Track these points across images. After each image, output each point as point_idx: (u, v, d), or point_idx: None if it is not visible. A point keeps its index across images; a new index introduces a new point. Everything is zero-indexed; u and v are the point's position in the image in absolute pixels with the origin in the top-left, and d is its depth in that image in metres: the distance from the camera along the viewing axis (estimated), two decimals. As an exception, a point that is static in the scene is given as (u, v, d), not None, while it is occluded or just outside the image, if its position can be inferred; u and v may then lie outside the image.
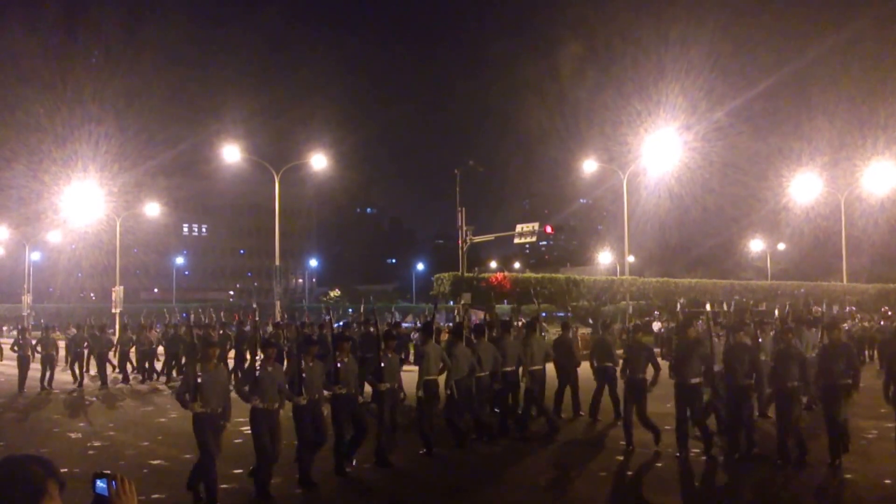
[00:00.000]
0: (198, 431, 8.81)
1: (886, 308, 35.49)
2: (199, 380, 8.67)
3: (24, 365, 20.99)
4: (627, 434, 11.43)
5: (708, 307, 14.89)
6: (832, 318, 13.04)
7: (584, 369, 15.17)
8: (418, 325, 32.69)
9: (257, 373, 9.31)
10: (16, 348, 21.33)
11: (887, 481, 9.63)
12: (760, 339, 12.82)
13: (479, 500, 9.34)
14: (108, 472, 2.46)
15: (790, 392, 10.23)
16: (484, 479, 10.18)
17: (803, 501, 9.15)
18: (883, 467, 10.21)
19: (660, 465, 10.51)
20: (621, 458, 11.13)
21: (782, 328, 11.94)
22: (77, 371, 22.32)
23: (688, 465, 10.39)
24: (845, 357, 10.41)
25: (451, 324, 26.77)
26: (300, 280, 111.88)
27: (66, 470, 10.60)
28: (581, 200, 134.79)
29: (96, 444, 12.97)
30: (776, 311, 18.60)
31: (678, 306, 25.14)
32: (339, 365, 10.08)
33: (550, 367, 14.32)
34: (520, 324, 19.87)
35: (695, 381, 10.70)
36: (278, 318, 32.39)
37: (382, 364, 10.92)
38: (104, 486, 2.41)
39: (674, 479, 9.93)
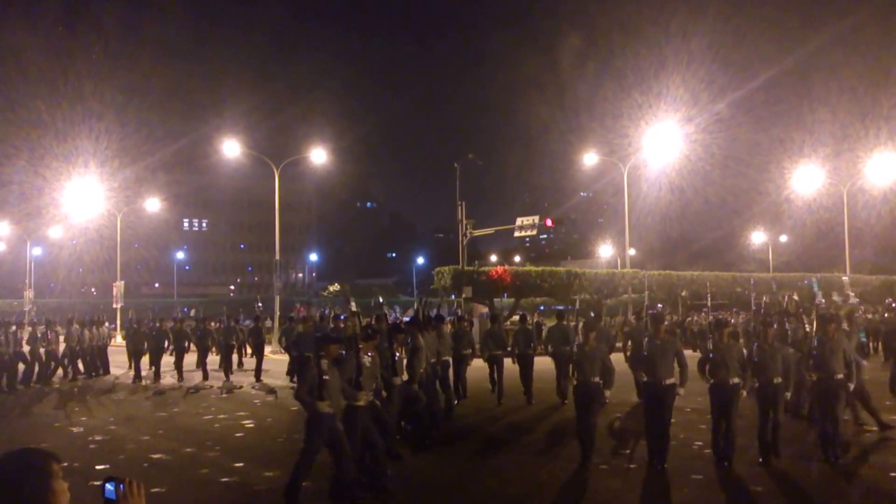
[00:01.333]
0: (313, 429, 8.18)
1: (891, 300, 35.48)
2: (326, 377, 8.19)
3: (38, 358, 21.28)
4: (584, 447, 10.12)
5: (837, 296, 14.58)
6: (827, 311, 12.58)
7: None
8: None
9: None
10: (29, 342, 21.63)
11: (893, 474, 9.60)
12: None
13: (480, 492, 9.29)
14: (116, 475, 2.54)
15: (775, 389, 9.99)
16: (482, 472, 10.15)
17: (807, 496, 9.06)
18: (888, 460, 10.16)
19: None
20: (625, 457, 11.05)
21: (762, 322, 11.35)
22: (72, 367, 22.60)
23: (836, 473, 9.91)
24: (841, 352, 10.23)
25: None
26: (300, 274, 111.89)
27: (66, 464, 10.55)
28: (581, 193, 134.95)
29: (97, 438, 12.96)
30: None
31: (642, 300, 25.11)
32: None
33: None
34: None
35: (839, 377, 10.18)
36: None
37: (396, 358, 10.90)
38: (112, 489, 2.48)
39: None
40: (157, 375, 21.57)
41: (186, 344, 22.39)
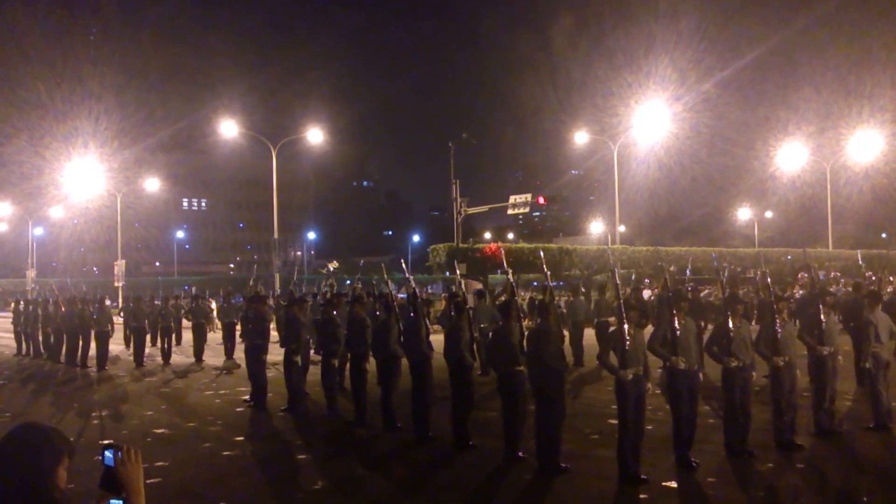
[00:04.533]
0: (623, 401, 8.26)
1: (871, 273, 36.19)
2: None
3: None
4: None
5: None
6: (821, 289, 12.25)
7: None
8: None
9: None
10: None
11: (873, 440, 9.83)
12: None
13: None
14: (114, 442, 2.67)
15: (793, 367, 9.48)
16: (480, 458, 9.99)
17: (795, 466, 8.95)
18: (874, 431, 10.17)
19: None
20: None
21: (776, 297, 10.16)
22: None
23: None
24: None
25: (446, 294, 27.67)
26: (299, 253, 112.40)
27: (72, 439, 11.17)
28: (573, 171, 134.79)
29: (101, 413, 13.42)
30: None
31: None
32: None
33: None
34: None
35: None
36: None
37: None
38: (111, 455, 2.60)
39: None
40: (137, 359, 20.68)
41: (172, 324, 22.02)
